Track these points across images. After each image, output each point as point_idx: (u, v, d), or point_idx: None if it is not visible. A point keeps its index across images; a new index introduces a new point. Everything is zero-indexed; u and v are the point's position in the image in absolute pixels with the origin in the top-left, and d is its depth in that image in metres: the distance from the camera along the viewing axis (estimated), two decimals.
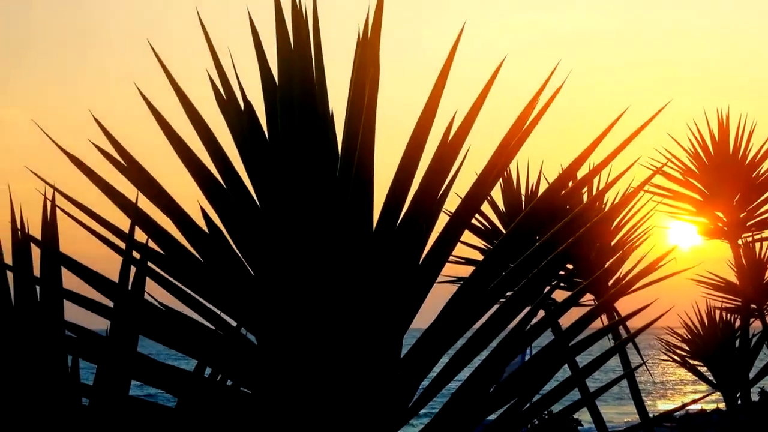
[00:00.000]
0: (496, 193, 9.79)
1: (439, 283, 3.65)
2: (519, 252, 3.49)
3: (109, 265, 3.35)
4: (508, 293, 3.52)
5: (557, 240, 3.47)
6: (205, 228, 3.40)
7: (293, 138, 3.37)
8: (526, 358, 3.68)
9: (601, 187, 8.94)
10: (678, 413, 26.01)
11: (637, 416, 9.43)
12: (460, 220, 3.51)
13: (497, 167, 3.46)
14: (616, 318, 7.26)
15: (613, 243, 9.46)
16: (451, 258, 3.65)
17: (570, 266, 9.45)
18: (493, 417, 3.52)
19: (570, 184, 3.57)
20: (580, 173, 3.92)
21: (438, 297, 3.61)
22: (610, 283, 9.21)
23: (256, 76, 3.55)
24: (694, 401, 3.57)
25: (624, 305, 8.21)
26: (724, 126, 10.63)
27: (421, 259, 3.47)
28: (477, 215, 9.49)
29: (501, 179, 9.70)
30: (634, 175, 8.80)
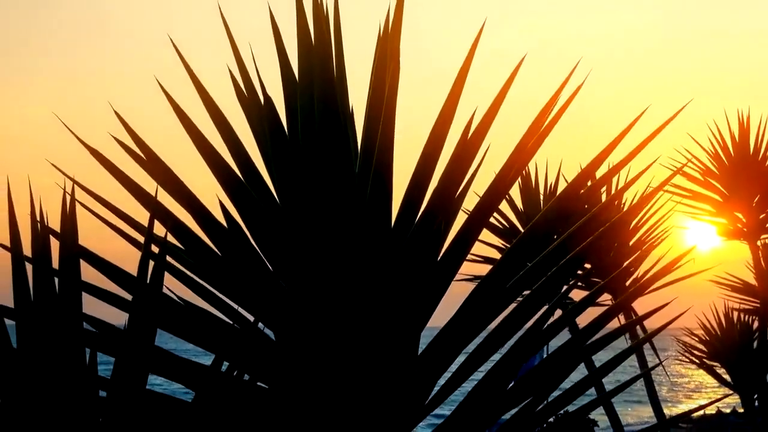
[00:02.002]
0: (515, 192, 9.78)
1: (457, 281, 3.65)
2: (537, 251, 3.49)
3: (128, 258, 3.36)
4: (526, 292, 3.52)
5: (575, 239, 3.47)
6: (224, 223, 3.40)
7: (313, 134, 3.37)
8: (544, 356, 3.68)
9: (620, 187, 8.93)
10: (695, 415, 25.95)
11: (655, 418, 9.42)
12: (479, 219, 3.50)
13: (516, 166, 3.46)
14: (634, 318, 7.26)
15: (631, 243, 9.45)
16: (469, 256, 3.66)
17: (588, 266, 9.44)
18: (509, 415, 3.52)
19: (588, 183, 3.56)
20: (599, 173, 3.91)
21: (456, 295, 3.61)
22: (628, 283, 9.19)
23: (277, 72, 3.56)
24: (711, 403, 3.57)
25: (642, 306, 8.21)
26: (745, 127, 10.61)
27: (440, 257, 3.47)
28: (495, 214, 9.48)
29: (520, 178, 9.71)
30: (654, 175, 8.79)
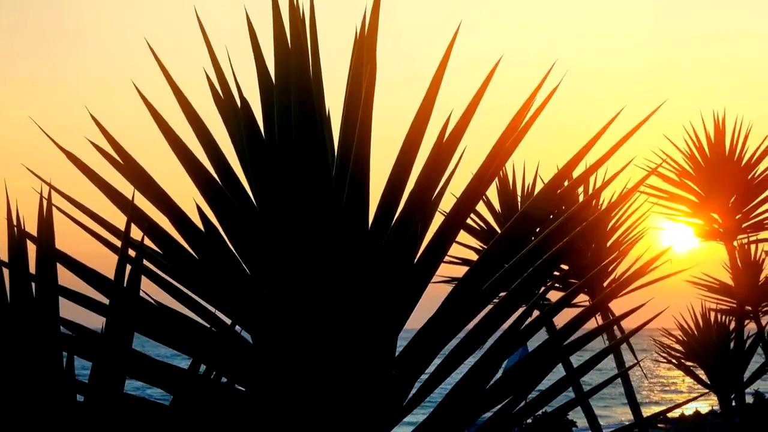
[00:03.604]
0: (493, 194, 9.81)
1: (435, 282, 3.65)
2: (513, 252, 3.50)
3: (105, 262, 3.36)
4: (502, 294, 3.53)
5: (552, 240, 3.48)
6: (201, 226, 3.40)
7: (289, 137, 3.37)
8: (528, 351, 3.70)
9: (596, 188, 8.97)
10: (673, 415, 26.03)
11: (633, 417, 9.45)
12: (456, 220, 3.51)
13: (492, 167, 3.47)
14: (611, 319, 7.27)
15: (608, 244, 9.48)
16: (448, 258, 3.66)
17: (566, 267, 9.48)
18: (487, 415, 3.54)
19: (565, 183, 3.57)
20: (576, 173, 3.93)
21: (434, 297, 3.62)
22: (605, 284, 9.23)
23: (254, 75, 3.56)
24: (684, 402, 3.59)
25: (620, 308, 8.23)
26: (720, 127, 10.64)
27: (416, 259, 3.48)
28: (473, 216, 9.50)
29: (497, 180, 9.73)
30: (630, 177, 8.81)
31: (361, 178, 3.39)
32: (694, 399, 3.80)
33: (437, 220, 3.57)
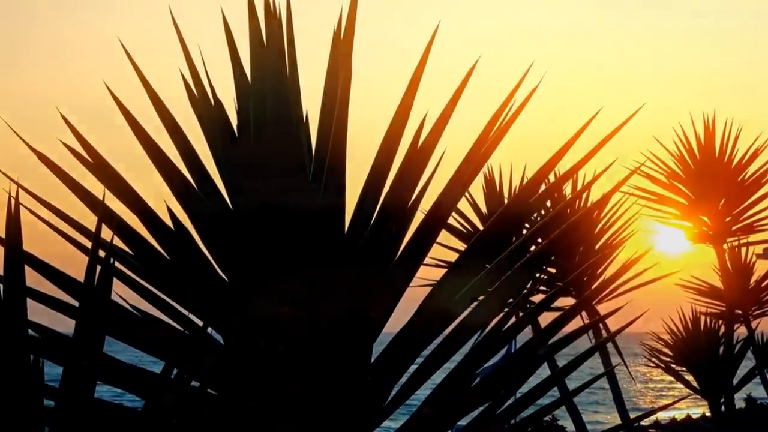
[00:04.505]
0: (479, 196, 9.79)
1: (421, 286, 3.62)
2: (494, 253, 3.46)
3: (75, 264, 3.31)
4: (481, 296, 3.49)
5: (533, 241, 3.46)
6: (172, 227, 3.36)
7: (265, 137, 3.34)
8: (512, 351, 3.67)
9: (578, 189, 8.96)
10: (663, 419, 26.06)
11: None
12: (434, 223, 3.47)
13: (472, 167, 3.43)
14: (599, 325, 7.25)
15: (597, 247, 9.45)
16: (433, 262, 3.63)
17: (553, 271, 9.46)
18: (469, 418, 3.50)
19: (551, 179, 3.55)
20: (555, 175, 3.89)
21: (418, 300, 3.57)
22: (594, 287, 9.21)
23: (231, 74, 3.52)
24: (669, 405, 3.57)
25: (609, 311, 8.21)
26: (710, 129, 10.61)
27: (394, 262, 3.43)
28: (459, 218, 9.49)
29: (483, 182, 9.72)
30: (619, 179, 8.80)
31: (337, 180, 3.36)
32: (677, 402, 3.78)
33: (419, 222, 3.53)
